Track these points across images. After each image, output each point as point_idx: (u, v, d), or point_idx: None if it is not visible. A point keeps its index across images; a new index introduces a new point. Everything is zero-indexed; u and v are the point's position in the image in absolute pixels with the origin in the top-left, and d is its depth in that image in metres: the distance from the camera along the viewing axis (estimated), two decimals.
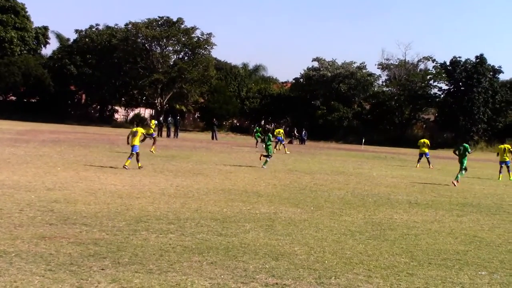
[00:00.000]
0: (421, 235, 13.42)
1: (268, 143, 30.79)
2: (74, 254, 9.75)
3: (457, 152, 28.73)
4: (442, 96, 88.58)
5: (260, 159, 30.60)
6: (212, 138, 62.88)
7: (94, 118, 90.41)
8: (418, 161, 38.64)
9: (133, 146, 25.45)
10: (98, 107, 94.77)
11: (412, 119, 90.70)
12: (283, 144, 46.56)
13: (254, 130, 57.60)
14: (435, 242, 12.70)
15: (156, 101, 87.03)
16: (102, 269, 8.96)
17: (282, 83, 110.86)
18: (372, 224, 14.45)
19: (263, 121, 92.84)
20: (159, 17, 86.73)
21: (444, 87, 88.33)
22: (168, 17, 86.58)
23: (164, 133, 63.01)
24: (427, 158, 38.14)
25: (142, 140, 26.51)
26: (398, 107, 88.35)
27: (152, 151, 34.22)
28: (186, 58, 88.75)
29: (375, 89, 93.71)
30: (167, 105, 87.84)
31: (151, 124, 41.29)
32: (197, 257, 10.03)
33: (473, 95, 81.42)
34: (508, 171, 31.95)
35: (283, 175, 26.21)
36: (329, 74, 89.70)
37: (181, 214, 14.13)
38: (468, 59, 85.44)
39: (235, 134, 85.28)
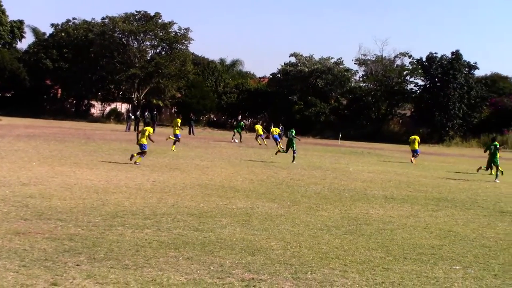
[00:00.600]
0: (396, 230, 13.50)
1: (291, 139, 33.02)
2: (49, 250, 9.70)
3: (488, 152, 29.84)
4: (418, 91, 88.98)
5: (276, 153, 33.35)
6: (189, 133, 62.62)
7: (70, 112, 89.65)
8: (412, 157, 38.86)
9: (142, 145, 26.15)
10: (74, 101, 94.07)
11: (389, 114, 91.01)
12: (278, 142, 46.62)
13: (238, 124, 58.22)
14: (411, 236, 12.78)
15: (133, 96, 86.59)
16: (77, 265, 8.92)
17: (260, 78, 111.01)
18: (348, 219, 14.51)
19: (240, 116, 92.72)
20: (136, 11, 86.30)
21: (420, 82, 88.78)
22: (145, 12, 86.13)
23: (141, 128, 62.73)
24: (415, 155, 38.32)
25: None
26: (375, 103, 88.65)
27: (172, 149, 35.27)
28: (163, 53, 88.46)
29: (352, 85, 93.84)
30: (144, 100, 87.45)
31: (178, 122, 40.26)
32: (173, 252, 10.02)
33: (449, 90, 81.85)
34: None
35: (259, 170, 26.23)
36: (306, 70, 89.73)
37: (157, 209, 14.10)
38: (444, 55, 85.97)
39: (212, 129, 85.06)
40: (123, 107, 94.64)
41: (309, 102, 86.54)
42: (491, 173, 32.01)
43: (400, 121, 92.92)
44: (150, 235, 11.28)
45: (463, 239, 12.90)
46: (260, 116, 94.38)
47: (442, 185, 24.73)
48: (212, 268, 9.20)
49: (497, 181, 28.30)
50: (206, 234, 11.68)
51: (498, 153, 29.85)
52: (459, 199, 20.20)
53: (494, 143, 30.42)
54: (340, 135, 69.78)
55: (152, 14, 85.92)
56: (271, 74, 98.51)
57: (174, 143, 36.68)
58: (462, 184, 25.90)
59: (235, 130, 54.34)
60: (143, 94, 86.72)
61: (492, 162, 29.82)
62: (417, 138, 39.24)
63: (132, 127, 62.09)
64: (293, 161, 31.81)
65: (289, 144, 32.88)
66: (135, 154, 25.75)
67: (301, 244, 11.32)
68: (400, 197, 19.82)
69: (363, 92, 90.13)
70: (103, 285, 8.10)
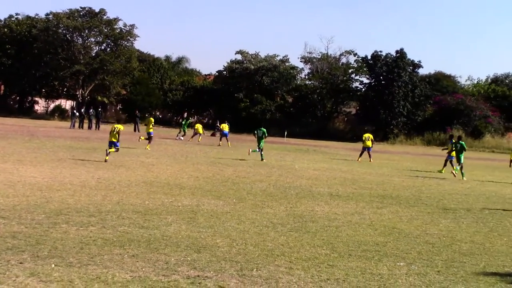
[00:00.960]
0: (341, 227, 13.59)
1: (261, 137, 34.14)
2: None
3: (453, 149, 31.10)
4: (363, 89, 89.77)
5: (248, 154, 33.71)
6: (134, 130, 62.32)
7: (13, 109, 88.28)
8: (360, 155, 39.12)
9: (114, 142, 26.84)
10: (18, 98, 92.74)
11: (334, 112, 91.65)
12: (227, 138, 47.04)
13: (184, 122, 58.54)
14: (356, 233, 12.89)
15: (78, 93, 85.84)
16: (21, 263, 8.79)
17: (205, 75, 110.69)
18: (293, 216, 14.57)
19: (186, 113, 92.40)
20: (81, 7, 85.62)
21: (366, 80, 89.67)
22: (90, 8, 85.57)
23: (86, 125, 62.30)
24: (369, 153, 38.74)
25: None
26: (320, 100, 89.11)
27: (147, 148, 35.50)
28: (108, 49, 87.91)
29: (298, 82, 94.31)
30: (88, 97, 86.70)
31: (152, 121, 39.62)
32: (118, 249, 9.94)
33: (394, 89, 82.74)
34: (452, 165, 32.45)
35: (205, 168, 26.18)
36: (252, 67, 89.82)
37: (102, 207, 13.97)
38: (389, 53, 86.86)
39: (158, 126, 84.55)
40: (67, 104, 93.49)
41: (255, 99, 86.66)
42: (441, 171, 32.58)
43: (345, 119, 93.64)
44: (95, 232, 11.17)
45: (407, 236, 13.05)
46: (206, 113, 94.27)
47: (386, 183, 25.02)
48: (157, 265, 9.15)
49: (454, 173, 29.81)
50: (151, 231, 11.62)
51: (463, 152, 31.12)
52: (403, 197, 20.46)
53: (461, 142, 31.40)
54: (285, 132, 69.99)
55: (96, 10, 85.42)
56: (217, 72, 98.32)
57: (149, 142, 36.74)
58: (406, 182, 26.22)
59: (182, 129, 54.37)
60: (87, 91, 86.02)
61: (457, 159, 30.87)
62: (371, 136, 39.88)
63: (77, 124, 61.49)
64: (255, 152, 33.41)
65: (259, 143, 33.18)
66: (110, 151, 26.47)
67: (246, 241, 11.33)
68: (345, 194, 19.97)
69: (308, 90, 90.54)
70: (46, 283, 8.00)
